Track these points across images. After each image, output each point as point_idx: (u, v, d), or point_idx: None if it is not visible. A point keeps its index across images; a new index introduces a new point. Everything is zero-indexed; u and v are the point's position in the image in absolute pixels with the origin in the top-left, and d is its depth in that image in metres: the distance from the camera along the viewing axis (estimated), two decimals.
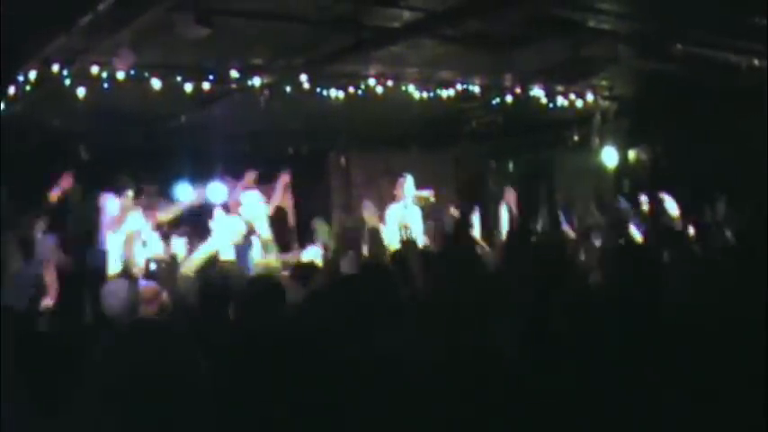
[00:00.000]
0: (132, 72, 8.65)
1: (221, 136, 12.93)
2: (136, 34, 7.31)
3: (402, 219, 10.84)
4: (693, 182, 11.18)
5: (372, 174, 15.79)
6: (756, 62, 10.67)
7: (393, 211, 11.17)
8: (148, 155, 12.15)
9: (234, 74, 9.51)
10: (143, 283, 6.89)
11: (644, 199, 11.03)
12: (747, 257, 5.32)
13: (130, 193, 9.91)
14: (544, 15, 8.38)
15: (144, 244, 9.24)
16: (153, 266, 8.55)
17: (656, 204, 10.22)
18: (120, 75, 8.55)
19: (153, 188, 10.91)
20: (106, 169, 11.14)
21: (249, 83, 9.70)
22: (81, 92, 8.92)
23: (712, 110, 11.91)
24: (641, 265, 4.52)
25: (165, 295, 6.71)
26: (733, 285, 4.46)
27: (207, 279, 6.92)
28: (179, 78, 9.30)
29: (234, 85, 9.80)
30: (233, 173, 13.53)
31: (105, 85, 8.76)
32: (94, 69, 8.52)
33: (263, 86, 9.82)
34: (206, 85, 9.54)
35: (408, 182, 11.52)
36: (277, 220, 11.53)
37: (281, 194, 11.22)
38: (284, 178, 11.23)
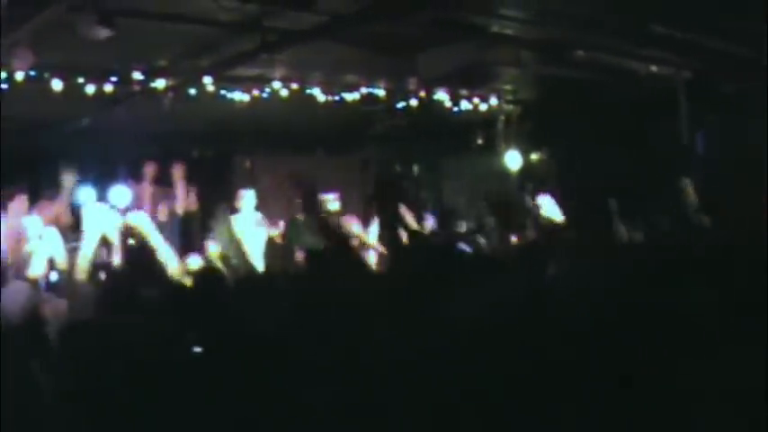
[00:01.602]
0: (32, 73, 8.49)
1: (125, 139, 12.74)
2: (35, 34, 7.17)
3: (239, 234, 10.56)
4: (593, 184, 11.43)
5: (278, 177, 15.74)
6: (655, 69, 10.98)
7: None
8: (49, 158, 11.89)
9: (137, 75, 9.41)
10: (46, 294, 6.74)
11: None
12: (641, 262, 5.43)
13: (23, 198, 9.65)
14: (448, 20, 8.47)
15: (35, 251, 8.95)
16: (54, 276, 8.35)
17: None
18: (19, 75, 8.38)
19: (53, 192, 10.62)
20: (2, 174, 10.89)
21: (153, 84, 9.59)
22: None
23: (613, 115, 12.21)
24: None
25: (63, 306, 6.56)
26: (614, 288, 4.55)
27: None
28: (81, 80, 9.15)
29: (137, 87, 9.68)
30: (137, 176, 13.37)
31: (3, 86, 8.59)
32: None
33: (167, 88, 9.72)
34: (109, 87, 9.41)
35: (248, 195, 11.16)
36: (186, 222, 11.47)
37: (187, 197, 11.10)
38: (177, 172, 11.07)
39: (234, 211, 10.67)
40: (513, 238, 8.35)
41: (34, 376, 4.09)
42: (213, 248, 9.44)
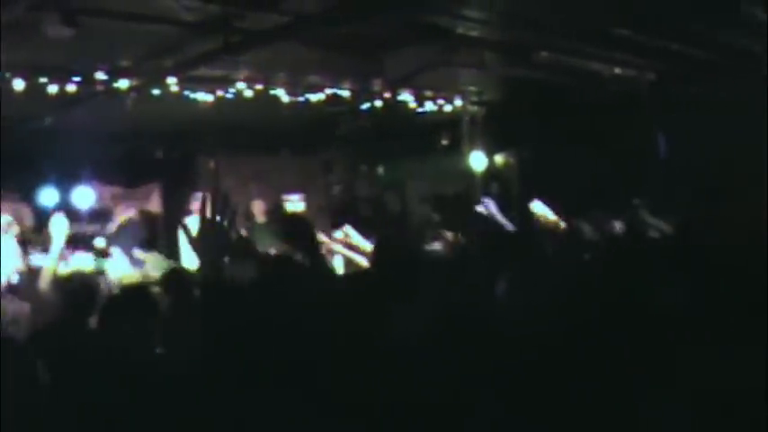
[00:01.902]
0: None
1: (88, 139, 12.66)
2: None
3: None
4: (559, 186, 11.51)
5: (242, 178, 15.71)
6: (618, 71, 11.08)
7: None
8: (10, 158, 11.80)
9: (100, 75, 9.34)
10: (7, 297, 6.69)
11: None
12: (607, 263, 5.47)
13: None
14: (413, 22, 8.50)
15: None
16: (15, 279, 8.30)
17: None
18: None
19: (15, 194, 10.52)
20: None
21: (116, 85, 9.53)
22: None
23: (577, 116, 12.31)
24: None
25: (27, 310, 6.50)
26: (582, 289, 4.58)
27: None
28: (43, 79, 9.08)
29: (100, 87, 9.62)
30: (100, 177, 13.30)
31: None
32: None
33: (130, 88, 9.66)
34: (71, 87, 9.34)
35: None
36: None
37: (155, 199, 11.06)
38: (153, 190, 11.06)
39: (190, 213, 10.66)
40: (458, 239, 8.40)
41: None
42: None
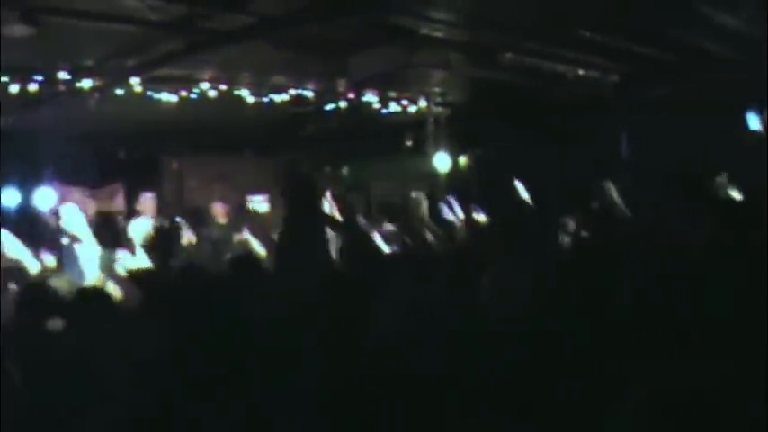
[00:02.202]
0: None
1: (50, 139, 12.55)
2: None
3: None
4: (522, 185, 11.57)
5: (206, 178, 15.65)
6: (581, 72, 11.15)
7: None
8: None
9: (63, 75, 9.27)
10: None
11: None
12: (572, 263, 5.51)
13: None
14: (378, 23, 8.51)
15: None
16: None
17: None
18: None
19: None
20: None
21: (79, 85, 9.46)
22: None
23: (542, 117, 12.38)
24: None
25: None
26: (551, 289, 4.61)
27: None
28: (5, 79, 9.00)
29: (63, 87, 9.54)
30: (63, 178, 13.16)
31: None
32: None
33: (93, 88, 9.59)
34: (33, 87, 9.26)
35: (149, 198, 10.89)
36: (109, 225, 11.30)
37: (115, 198, 10.95)
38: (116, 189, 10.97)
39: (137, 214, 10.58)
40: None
41: None
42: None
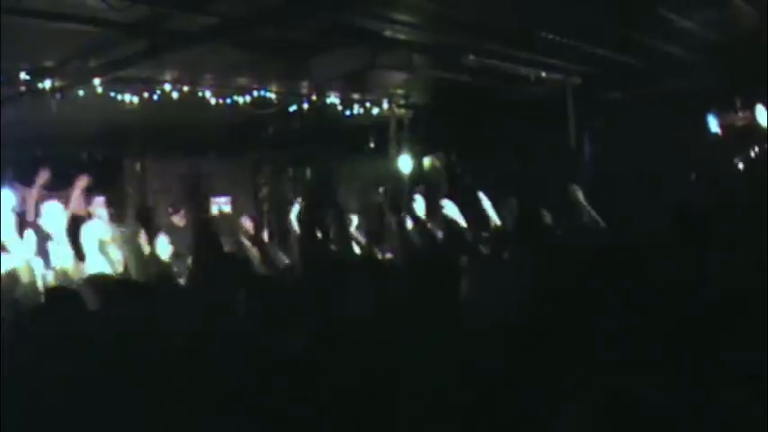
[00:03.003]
0: None
1: (11, 140, 12.42)
2: None
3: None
4: (486, 187, 11.63)
5: (169, 180, 15.57)
6: (544, 74, 11.24)
7: None
8: None
9: (23, 75, 9.20)
10: None
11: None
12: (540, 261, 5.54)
13: None
14: (341, 24, 8.53)
15: None
16: None
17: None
18: None
19: None
20: None
21: (40, 85, 9.39)
22: None
23: (504, 119, 12.46)
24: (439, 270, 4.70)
25: None
26: (530, 287, 4.63)
27: None
28: None
29: (23, 88, 9.47)
30: (24, 179, 13.02)
31: None
32: None
33: (54, 89, 9.52)
34: None
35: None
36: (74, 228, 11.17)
37: (78, 201, 10.81)
38: (80, 183, 10.82)
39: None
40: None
41: None
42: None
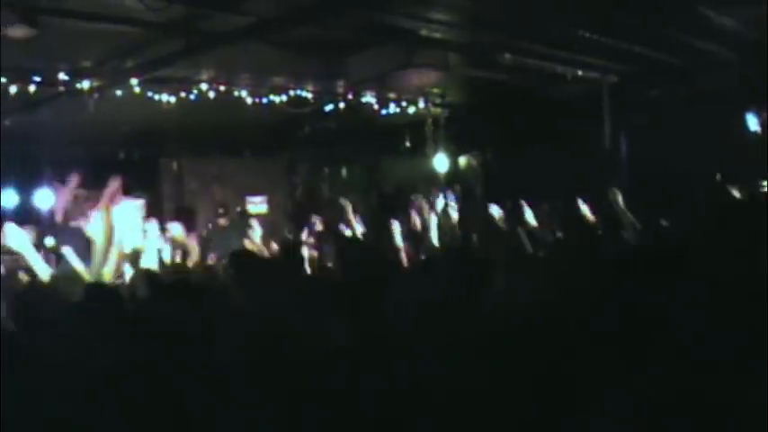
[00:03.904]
0: None
1: (49, 140, 12.54)
2: None
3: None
4: (521, 186, 11.58)
5: (206, 180, 15.67)
6: (580, 73, 11.16)
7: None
8: None
9: (62, 76, 9.27)
10: None
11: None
12: (577, 257, 5.49)
13: None
14: (377, 23, 8.51)
15: None
16: None
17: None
18: None
19: None
20: None
21: (78, 85, 9.46)
22: None
23: (540, 118, 12.39)
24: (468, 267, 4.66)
25: None
26: (562, 284, 4.59)
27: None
28: (3, 80, 8.99)
29: (62, 88, 9.54)
30: (62, 178, 13.14)
31: None
32: None
33: (92, 89, 9.59)
34: (32, 88, 9.25)
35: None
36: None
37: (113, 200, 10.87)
38: (113, 184, 10.89)
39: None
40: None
41: None
42: None
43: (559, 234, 7.75)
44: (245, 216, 13.36)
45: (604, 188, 7.94)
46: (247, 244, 10.57)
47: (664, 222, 7.12)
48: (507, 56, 9.97)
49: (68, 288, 6.52)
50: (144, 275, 6.04)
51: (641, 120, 12.05)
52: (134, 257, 8.02)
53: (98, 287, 5.58)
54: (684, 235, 5.44)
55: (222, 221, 12.45)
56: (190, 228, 10.90)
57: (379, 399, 3.62)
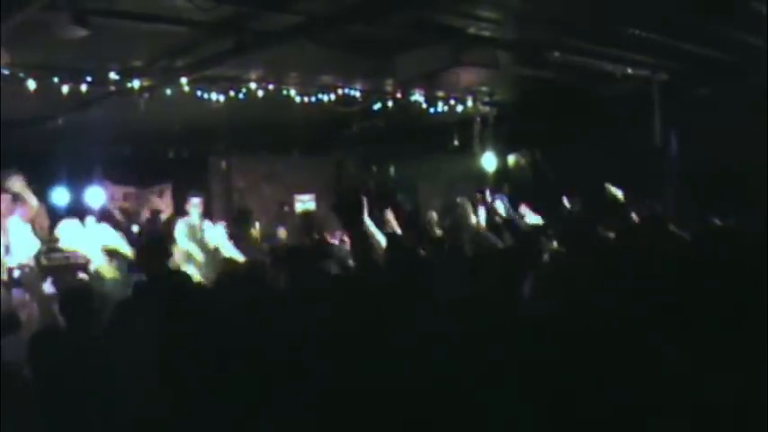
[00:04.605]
0: (6, 72, 8.43)
1: (100, 139, 12.68)
2: (10, 33, 7.11)
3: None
4: (572, 184, 11.48)
5: (254, 178, 15.76)
6: (630, 70, 11.05)
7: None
8: (24, 157, 11.83)
9: (112, 75, 9.36)
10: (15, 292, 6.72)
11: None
12: (621, 258, 5.45)
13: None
14: (426, 21, 8.48)
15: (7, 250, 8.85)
16: (17, 273, 8.31)
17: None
18: None
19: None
20: None
21: (128, 85, 9.54)
22: None
23: (590, 115, 12.28)
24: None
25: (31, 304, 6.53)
26: (602, 284, 4.55)
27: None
28: (56, 79, 9.10)
29: (113, 87, 9.63)
30: (112, 176, 13.30)
31: None
32: None
33: (142, 89, 9.67)
34: (83, 87, 9.35)
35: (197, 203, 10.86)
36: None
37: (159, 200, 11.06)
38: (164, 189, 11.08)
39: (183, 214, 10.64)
40: None
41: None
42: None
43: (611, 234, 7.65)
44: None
45: (653, 188, 7.87)
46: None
47: (718, 222, 7.04)
48: (556, 54, 9.90)
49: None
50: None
51: (692, 118, 11.88)
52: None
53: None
54: (741, 234, 5.36)
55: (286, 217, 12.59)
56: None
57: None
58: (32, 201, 10.11)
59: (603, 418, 3.38)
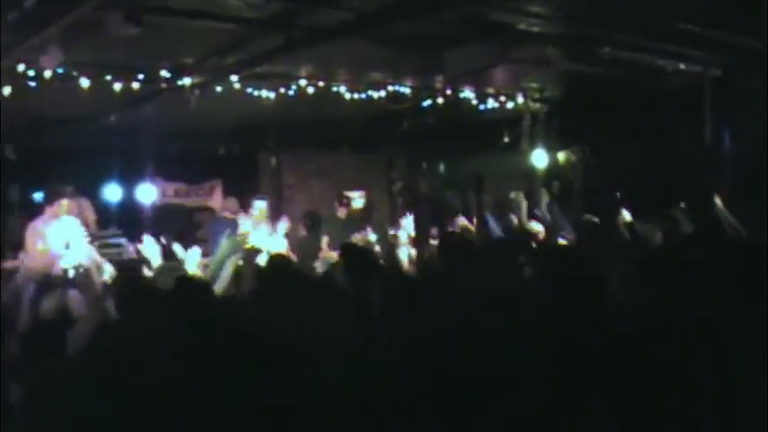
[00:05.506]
0: (60, 70, 8.54)
1: (151, 136, 12.80)
2: (64, 32, 7.19)
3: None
4: (621, 182, 11.37)
5: (303, 175, 15.81)
6: (682, 66, 10.90)
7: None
8: (77, 154, 12.01)
9: (164, 73, 9.45)
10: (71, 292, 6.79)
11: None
12: (682, 256, 5.36)
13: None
14: (475, 17, 8.44)
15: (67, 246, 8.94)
16: (71, 273, 8.39)
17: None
18: (48, 73, 8.43)
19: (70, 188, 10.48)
20: (34, 169, 11.02)
21: (179, 82, 9.63)
22: (7, 90, 8.80)
23: (640, 112, 12.14)
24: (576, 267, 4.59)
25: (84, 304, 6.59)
26: (670, 283, 4.47)
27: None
28: (108, 77, 9.20)
29: (164, 85, 9.72)
30: (163, 173, 13.42)
31: (32, 84, 8.65)
32: (21, 67, 8.40)
33: (193, 86, 9.75)
34: (135, 85, 9.45)
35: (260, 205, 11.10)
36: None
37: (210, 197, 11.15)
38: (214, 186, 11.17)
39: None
40: None
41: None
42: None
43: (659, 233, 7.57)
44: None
45: (706, 186, 7.75)
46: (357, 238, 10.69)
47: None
48: (606, 49, 9.80)
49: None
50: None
51: (744, 114, 11.70)
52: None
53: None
54: None
55: (341, 213, 12.59)
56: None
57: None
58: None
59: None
